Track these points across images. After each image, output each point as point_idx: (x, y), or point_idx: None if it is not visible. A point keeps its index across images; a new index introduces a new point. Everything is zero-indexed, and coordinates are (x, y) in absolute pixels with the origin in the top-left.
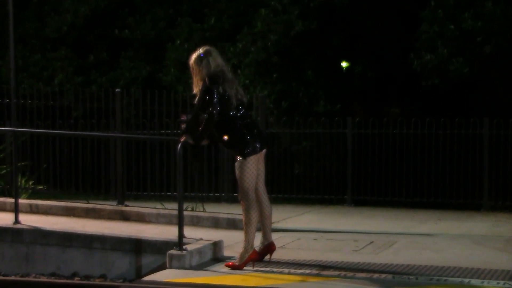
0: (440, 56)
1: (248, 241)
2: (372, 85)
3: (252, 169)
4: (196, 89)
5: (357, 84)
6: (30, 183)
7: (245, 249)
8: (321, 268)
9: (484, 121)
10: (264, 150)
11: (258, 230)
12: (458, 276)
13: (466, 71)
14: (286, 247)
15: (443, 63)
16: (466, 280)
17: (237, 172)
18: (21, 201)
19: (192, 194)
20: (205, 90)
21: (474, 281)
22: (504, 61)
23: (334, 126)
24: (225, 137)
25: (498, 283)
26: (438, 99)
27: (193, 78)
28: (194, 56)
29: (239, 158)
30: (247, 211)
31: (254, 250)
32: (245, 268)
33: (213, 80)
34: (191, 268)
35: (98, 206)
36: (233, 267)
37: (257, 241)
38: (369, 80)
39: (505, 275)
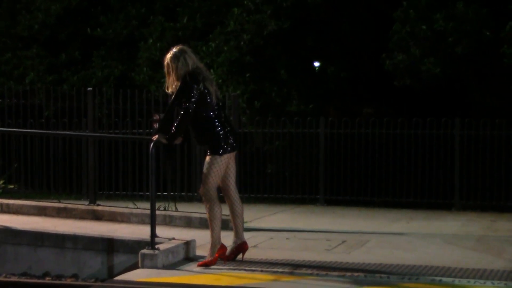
0: (412, 57)
1: (215, 236)
2: (345, 85)
3: (220, 167)
4: (171, 88)
5: (330, 84)
6: (1, 182)
7: (213, 244)
8: (294, 267)
9: (455, 121)
10: (235, 150)
11: (231, 229)
12: (430, 275)
13: (438, 71)
14: (259, 247)
15: (415, 63)
16: (438, 278)
17: (205, 167)
18: None
19: (165, 193)
20: (184, 87)
21: (445, 279)
22: (475, 62)
23: (306, 125)
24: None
25: (468, 281)
26: (411, 99)
27: (168, 77)
28: (169, 55)
29: (209, 154)
30: (210, 207)
31: (222, 245)
32: (217, 267)
33: (193, 77)
34: (164, 267)
35: (69, 206)
36: (205, 264)
37: (230, 241)
38: (342, 80)
39: (475, 274)
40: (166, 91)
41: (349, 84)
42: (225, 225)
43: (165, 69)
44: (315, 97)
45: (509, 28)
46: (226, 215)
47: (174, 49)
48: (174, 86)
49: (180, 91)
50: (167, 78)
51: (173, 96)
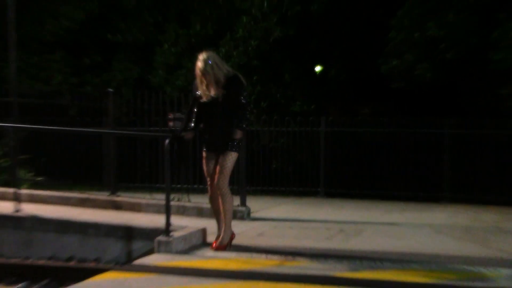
0: (406, 62)
1: (229, 224)
2: (345, 87)
3: (234, 162)
4: (214, 91)
5: (330, 86)
6: (30, 175)
7: (227, 232)
8: (296, 254)
9: (445, 121)
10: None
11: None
12: (420, 261)
13: (430, 76)
14: (264, 235)
15: (408, 68)
16: (428, 265)
17: (226, 162)
18: (22, 191)
19: (179, 185)
20: (241, 87)
21: (435, 266)
22: (464, 67)
23: (309, 124)
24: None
25: (455, 267)
26: (405, 100)
27: (205, 83)
28: (203, 63)
29: (230, 150)
30: (230, 197)
31: (233, 232)
32: (227, 253)
33: (241, 77)
34: (177, 253)
35: (92, 196)
36: (221, 247)
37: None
38: (342, 83)
39: (463, 261)
40: (207, 94)
41: (348, 86)
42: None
43: (202, 76)
44: (317, 98)
45: (496, 35)
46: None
47: (204, 56)
48: (217, 88)
49: (239, 92)
50: (205, 82)
51: (220, 98)
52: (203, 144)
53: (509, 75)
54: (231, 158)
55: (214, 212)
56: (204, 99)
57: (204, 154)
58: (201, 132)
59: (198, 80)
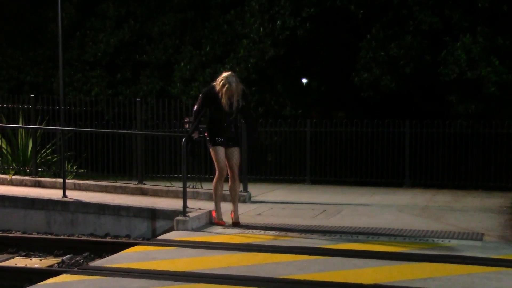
0: (373, 75)
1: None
2: (324, 95)
3: None
4: (235, 103)
5: (313, 95)
6: (74, 167)
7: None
8: (288, 230)
9: (405, 122)
10: None
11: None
12: (388, 235)
13: (393, 86)
14: (262, 214)
15: (376, 80)
16: (393, 238)
17: (239, 154)
18: (67, 181)
19: (193, 175)
20: (248, 98)
21: (399, 238)
22: (419, 79)
23: (297, 125)
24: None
25: (415, 239)
26: (372, 106)
27: (234, 96)
28: (235, 81)
29: (238, 146)
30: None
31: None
32: (232, 230)
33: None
34: (193, 230)
35: (124, 185)
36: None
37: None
38: (322, 92)
39: (421, 234)
40: (230, 104)
41: (327, 95)
42: (224, 199)
43: (235, 92)
44: (303, 105)
45: (443, 54)
46: (226, 190)
47: (231, 75)
48: (238, 100)
49: (248, 103)
50: (234, 96)
51: (243, 105)
52: (212, 141)
53: (454, 85)
54: (239, 151)
55: (219, 196)
56: (225, 108)
57: (215, 148)
58: (210, 131)
59: (224, 93)
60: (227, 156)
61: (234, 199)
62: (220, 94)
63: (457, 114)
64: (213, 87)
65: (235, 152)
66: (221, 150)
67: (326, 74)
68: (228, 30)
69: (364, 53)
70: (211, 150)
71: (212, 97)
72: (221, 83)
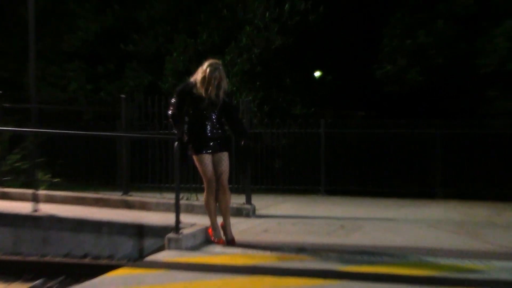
0: (398, 67)
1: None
2: (341, 91)
3: None
4: (214, 94)
5: (328, 90)
6: (48, 176)
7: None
8: (299, 249)
9: (435, 122)
10: None
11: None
12: (417, 255)
13: (421, 79)
14: (269, 231)
15: (401, 72)
16: (424, 258)
17: (227, 160)
18: (40, 192)
19: (187, 185)
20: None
21: (430, 259)
22: (452, 71)
23: (309, 126)
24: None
25: (450, 260)
26: (396, 103)
27: (212, 84)
28: (216, 66)
29: (226, 151)
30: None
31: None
32: (233, 248)
33: None
34: (187, 249)
35: (105, 196)
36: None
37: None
38: (338, 87)
39: (458, 254)
40: (208, 94)
41: (343, 90)
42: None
43: (219, 77)
44: (315, 102)
45: (480, 42)
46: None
47: (217, 61)
48: (217, 93)
49: (232, 100)
50: (212, 83)
51: (227, 102)
52: (195, 148)
53: (493, 78)
54: (228, 157)
55: (213, 212)
56: (212, 98)
57: (200, 157)
58: (192, 137)
59: (201, 80)
60: (214, 164)
61: (226, 213)
62: (203, 85)
63: (495, 112)
64: (189, 83)
65: (223, 157)
66: (207, 158)
67: (342, 66)
68: (228, 15)
69: (388, 41)
70: (195, 159)
71: (190, 93)
72: (208, 70)
